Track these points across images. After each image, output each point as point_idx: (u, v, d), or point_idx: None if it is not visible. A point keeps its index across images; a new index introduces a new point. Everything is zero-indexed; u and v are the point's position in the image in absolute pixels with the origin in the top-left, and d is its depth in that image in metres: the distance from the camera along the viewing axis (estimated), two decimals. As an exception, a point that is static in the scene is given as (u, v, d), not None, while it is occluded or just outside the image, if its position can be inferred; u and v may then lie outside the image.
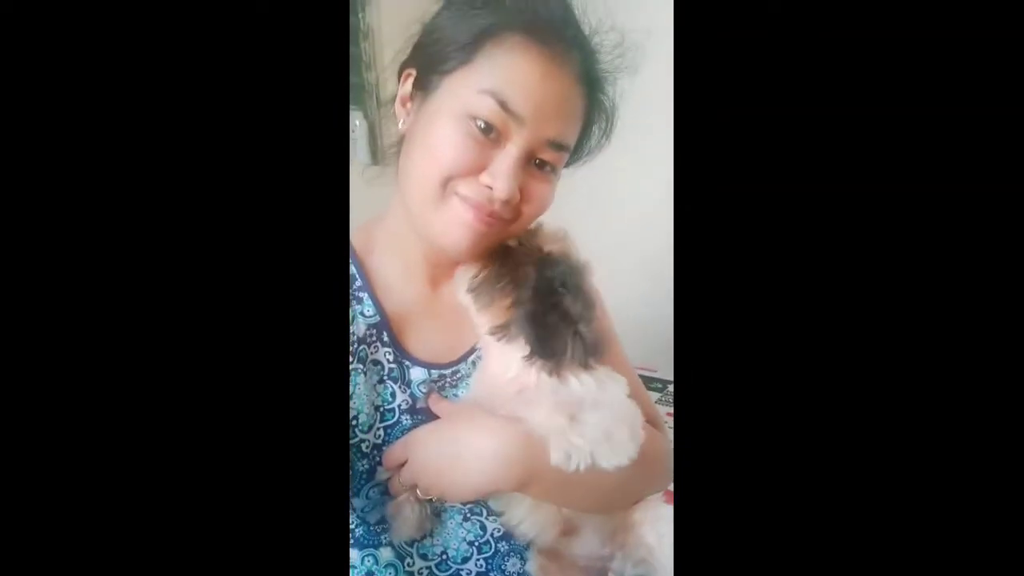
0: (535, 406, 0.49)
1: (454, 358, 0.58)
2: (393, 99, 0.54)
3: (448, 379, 0.57)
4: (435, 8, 0.52)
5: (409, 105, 0.52)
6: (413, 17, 0.53)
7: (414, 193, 0.50)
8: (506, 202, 0.48)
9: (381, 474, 0.54)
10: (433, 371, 0.57)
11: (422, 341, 0.57)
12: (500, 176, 0.47)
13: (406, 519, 0.54)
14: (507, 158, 0.47)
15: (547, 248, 0.52)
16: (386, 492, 0.55)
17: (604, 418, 0.48)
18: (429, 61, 0.50)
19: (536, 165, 0.50)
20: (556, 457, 0.46)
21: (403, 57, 0.53)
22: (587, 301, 0.50)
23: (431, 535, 0.57)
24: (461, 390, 0.58)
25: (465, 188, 0.48)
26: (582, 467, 0.46)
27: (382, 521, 0.55)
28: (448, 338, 0.58)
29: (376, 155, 1.08)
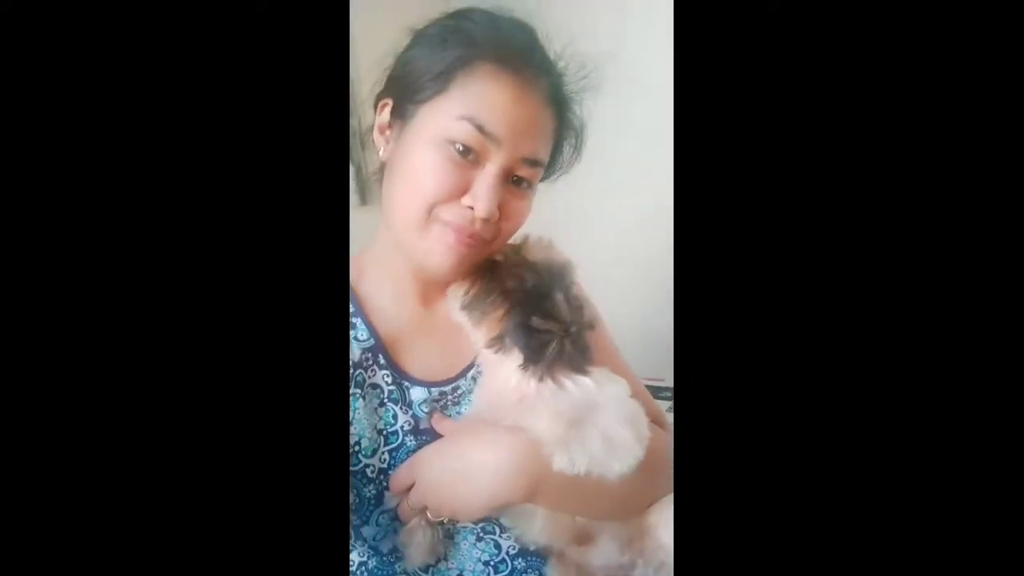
0: (536, 414, 0.49)
1: (453, 375, 0.58)
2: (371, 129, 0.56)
3: (449, 396, 0.58)
4: (406, 41, 0.54)
5: (388, 133, 0.55)
6: (386, 50, 0.55)
7: (398, 219, 0.52)
8: (486, 220, 0.50)
9: (389, 500, 0.54)
10: (433, 389, 0.57)
11: (419, 360, 0.57)
12: (481, 196, 0.49)
13: (418, 544, 0.53)
14: (487, 176, 0.49)
15: (531, 258, 0.54)
16: (396, 518, 0.54)
17: (607, 420, 0.48)
18: (404, 92, 0.52)
19: (513, 182, 0.52)
20: (559, 462, 0.46)
21: (379, 88, 0.56)
22: (575, 304, 0.51)
23: (445, 559, 0.56)
24: (464, 407, 0.58)
25: (447, 213, 0.50)
26: (586, 470, 0.46)
27: (395, 551, 0.54)
28: (445, 355, 0.58)
29: (364, 195, 1.10)
